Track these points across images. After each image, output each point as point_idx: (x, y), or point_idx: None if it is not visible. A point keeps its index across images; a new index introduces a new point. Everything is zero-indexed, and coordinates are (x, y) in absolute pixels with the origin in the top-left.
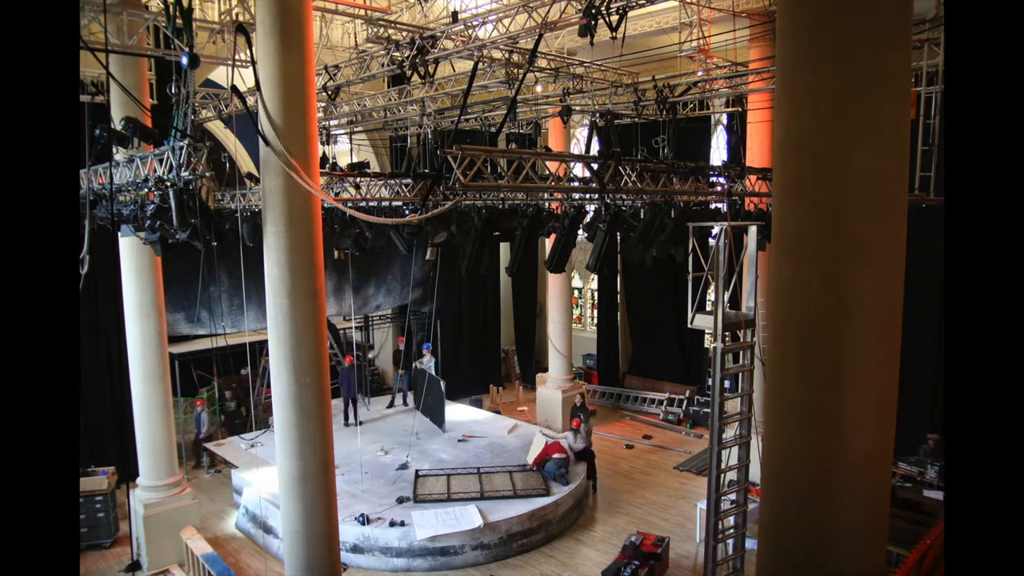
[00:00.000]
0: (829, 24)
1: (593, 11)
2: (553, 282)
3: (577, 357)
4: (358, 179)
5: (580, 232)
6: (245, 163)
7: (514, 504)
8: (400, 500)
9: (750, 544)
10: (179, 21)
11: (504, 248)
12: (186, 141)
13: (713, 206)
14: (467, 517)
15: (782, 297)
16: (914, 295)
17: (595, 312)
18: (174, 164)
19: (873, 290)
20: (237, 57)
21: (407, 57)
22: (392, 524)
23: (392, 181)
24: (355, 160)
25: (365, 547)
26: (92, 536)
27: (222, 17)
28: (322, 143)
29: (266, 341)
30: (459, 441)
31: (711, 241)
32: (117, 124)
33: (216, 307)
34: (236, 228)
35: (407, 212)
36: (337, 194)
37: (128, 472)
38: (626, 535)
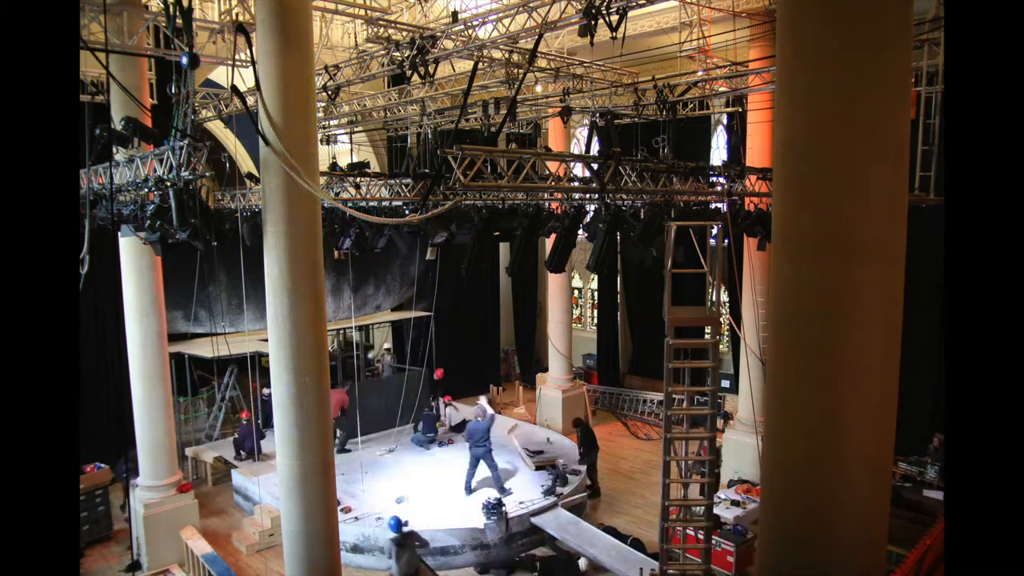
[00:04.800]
0: (829, 24)
1: (593, 11)
2: (553, 282)
3: (577, 357)
4: (358, 179)
5: (580, 232)
6: (245, 163)
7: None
8: (400, 500)
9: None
10: (179, 21)
11: (504, 248)
12: (186, 141)
13: (713, 206)
14: (470, 515)
15: (782, 297)
16: (914, 295)
17: (595, 312)
18: (174, 164)
19: (873, 290)
20: (237, 57)
21: (407, 57)
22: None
23: (392, 181)
24: (355, 160)
25: (365, 547)
26: (94, 532)
27: (222, 17)
28: (322, 143)
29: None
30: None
31: (711, 241)
32: (117, 124)
33: (215, 306)
34: (236, 228)
35: (407, 212)
36: (337, 194)
37: (127, 472)
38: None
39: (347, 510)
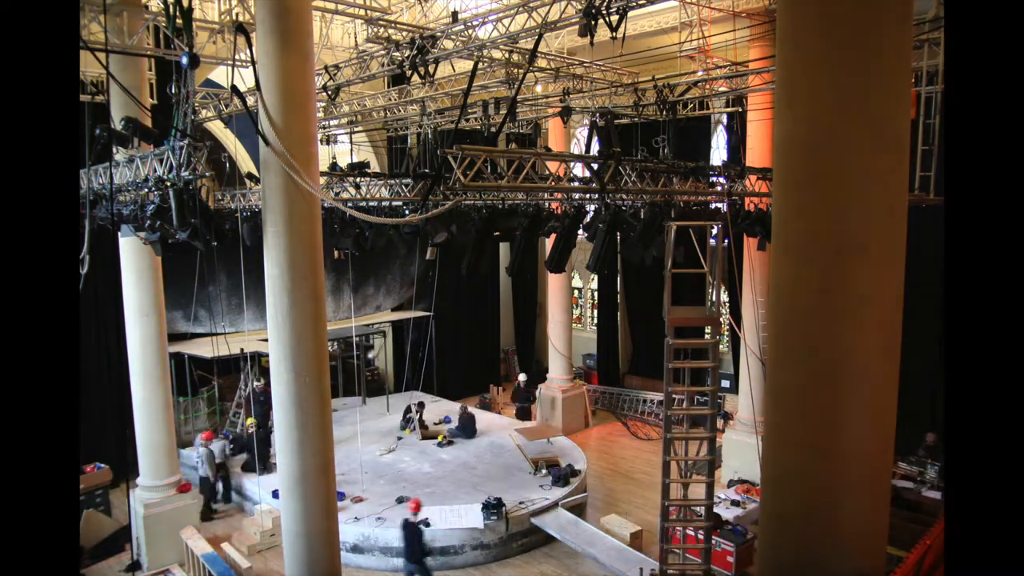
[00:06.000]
0: (829, 24)
1: (593, 11)
2: (553, 282)
3: (577, 357)
4: (358, 179)
5: (580, 232)
6: (245, 163)
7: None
8: (400, 500)
9: None
10: (179, 21)
11: (504, 248)
12: (186, 141)
13: (713, 206)
14: (470, 516)
15: (782, 297)
16: (914, 295)
17: (595, 312)
18: (174, 164)
19: (873, 290)
20: (237, 57)
21: (407, 57)
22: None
23: (392, 181)
24: (355, 160)
25: (365, 547)
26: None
27: (222, 17)
28: (322, 143)
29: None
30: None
31: (711, 241)
32: (117, 124)
33: (215, 306)
34: (236, 228)
35: (407, 212)
36: (337, 194)
37: (127, 471)
38: None
39: (358, 500)
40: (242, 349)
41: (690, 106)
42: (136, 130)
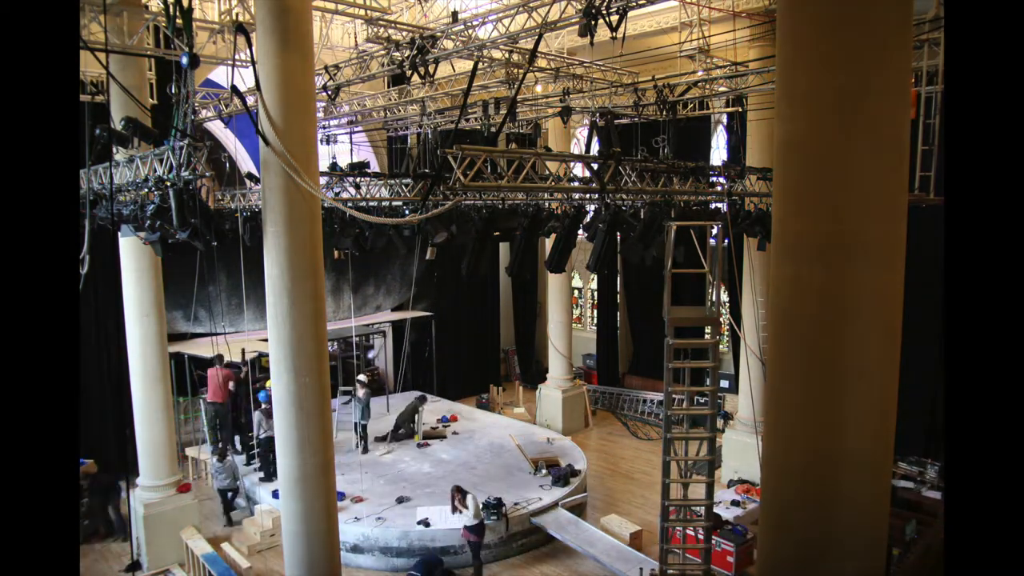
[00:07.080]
0: (829, 24)
1: (593, 11)
2: (553, 282)
3: (577, 357)
4: (358, 179)
5: (580, 232)
6: (245, 163)
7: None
8: (400, 500)
9: None
10: (179, 21)
11: (504, 248)
12: (186, 141)
13: (713, 206)
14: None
15: (783, 297)
16: (914, 295)
17: (595, 312)
18: (174, 164)
19: (873, 290)
20: (237, 57)
21: (407, 57)
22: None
23: (392, 181)
24: (355, 160)
25: (365, 547)
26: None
27: (222, 17)
28: (322, 143)
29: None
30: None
31: (711, 241)
32: (117, 124)
33: (215, 306)
34: (236, 228)
35: (407, 212)
36: (337, 194)
37: (127, 471)
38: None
39: (358, 499)
40: (242, 349)
41: (690, 106)
42: (136, 130)
